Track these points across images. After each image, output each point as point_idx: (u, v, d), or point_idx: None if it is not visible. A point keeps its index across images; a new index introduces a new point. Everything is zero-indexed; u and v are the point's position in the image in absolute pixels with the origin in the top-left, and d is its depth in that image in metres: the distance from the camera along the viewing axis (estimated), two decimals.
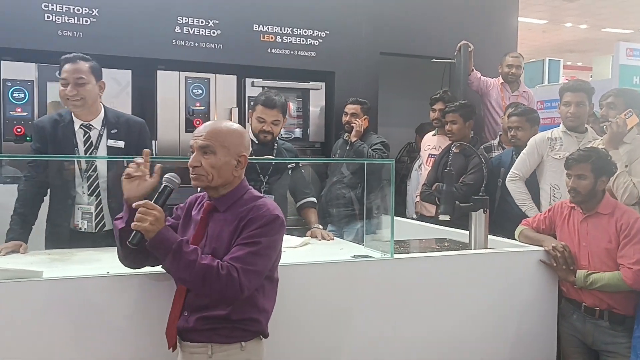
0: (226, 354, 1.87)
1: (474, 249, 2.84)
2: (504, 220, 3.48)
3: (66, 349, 1.98)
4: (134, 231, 1.79)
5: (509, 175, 3.61)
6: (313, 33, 4.78)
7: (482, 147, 4.26)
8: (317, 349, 2.37)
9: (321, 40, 4.81)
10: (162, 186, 1.91)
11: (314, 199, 3.35)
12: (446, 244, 3.11)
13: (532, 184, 3.58)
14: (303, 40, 4.75)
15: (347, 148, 4.29)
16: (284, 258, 2.50)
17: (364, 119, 4.31)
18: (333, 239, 3.12)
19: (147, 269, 2.07)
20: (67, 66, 2.71)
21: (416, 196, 4.40)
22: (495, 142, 4.48)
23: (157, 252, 1.80)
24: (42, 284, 2.00)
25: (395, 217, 2.60)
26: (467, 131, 4.04)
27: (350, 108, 4.36)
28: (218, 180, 1.89)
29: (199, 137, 1.89)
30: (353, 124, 4.26)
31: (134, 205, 1.80)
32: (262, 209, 1.87)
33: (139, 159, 1.95)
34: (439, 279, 2.60)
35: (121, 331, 2.05)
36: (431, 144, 4.46)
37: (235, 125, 1.99)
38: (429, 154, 4.41)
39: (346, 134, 4.36)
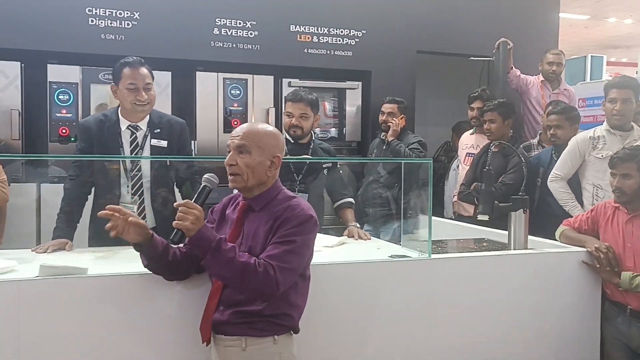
0: (259, 347, 1.91)
1: (514, 249, 2.79)
2: (544, 220, 3.41)
3: (108, 343, 2.04)
4: (176, 230, 1.84)
5: (550, 176, 3.54)
6: (350, 32, 4.78)
7: (521, 146, 4.18)
8: (351, 348, 2.37)
9: (358, 40, 4.81)
10: (202, 186, 1.96)
11: (351, 199, 3.34)
12: (485, 244, 3.07)
13: (574, 183, 3.50)
14: (339, 40, 4.76)
15: (384, 147, 4.27)
16: (321, 257, 2.52)
17: (401, 118, 4.29)
18: (370, 239, 3.11)
19: None
20: (130, 71, 2.76)
21: (454, 196, 4.36)
22: (535, 141, 4.40)
23: (197, 250, 1.85)
24: (86, 281, 2.06)
25: (432, 217, 2.58)
26: (506, 130, 3.98)
27: (387, 107, 4.34)
28: (252, 180, 1.94)
29: (236, 137, 1.96)
30: (390, 123, 4.25)
31: (175, 204, 1.86)
32: (297, 209, 1.92)
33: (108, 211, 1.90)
34: (477, 280, 2.57)
35: (160, 326, 2.09)
36: (469, 143, 4.41)
37: (271, 127, 2.05)
38: (467, 153, 4.36)
39: (383, 134, 4.35)
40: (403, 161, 3.30)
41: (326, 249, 2.77)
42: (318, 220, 1.98)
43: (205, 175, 1.99)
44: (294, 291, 1.95)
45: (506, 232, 2.87)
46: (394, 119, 4.26)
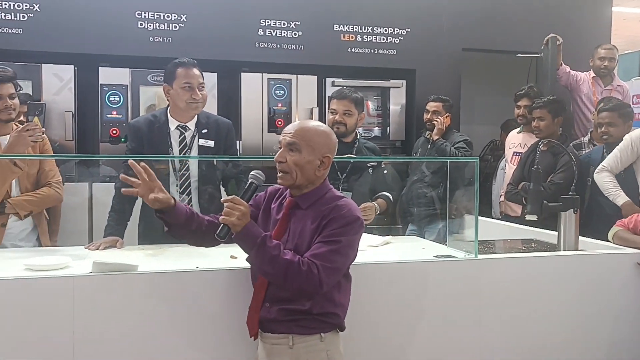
0: (306, 344, 1.91)
1: (564, 250, 2.72)
2: (595, 221, 3.32)
3: (157, 338, 2.09)
4: (222, 225, 1.86)
5: (597, 169, 3.44)
6: (394, 31, 4.76)
7: (571, 144, 4.07)
8: (396, 348, 2.36)
9: (402, 38, 4.77)
10: (248, 182, 1.98)
11: (388, 194, 3.32)
12: (533, 245, 3.00)
13: (631, 182, 3.38)
14: (383, 39, 4.74)
15: (429, 146, 4.23)
16: (365, 257, 2.52)
17: (446, 117, 4.23)
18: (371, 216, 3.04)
19: (233, 265, 2.16)
20: (185, 71, 2.83)
21: (500, 195, 4.27)
22: (586, 139, 4.27)
23: (242, 245, 1.88)
24: (137, 277, 2.12)
25: (479, 217, 2.54)
26: (555, 128, 3.88)
27: (431, 106, 4.29)
28: (301, 178, 1.94)
29: (288, 135, 1.95)
30: (435, 122, 4.20)
31: (222, 200, 1.89)
32: (344, 209, 1.91)
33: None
34: (526, 281, 2.52)
35: (207, 322, 2.14)
36: (516, 141, 4.33)
37: (324, 126, 2.03)
38: (514, 152, 4.28)
39: (427, 132, 4.31)
40: (449, 160, 3.26)
41: (371, 249, 2.76)
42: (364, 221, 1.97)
43: (251, 172, 2.00)
44: (338, 291, 1.95)
45: (555, 233, 2.80)
46: (439, 117, 4.21)
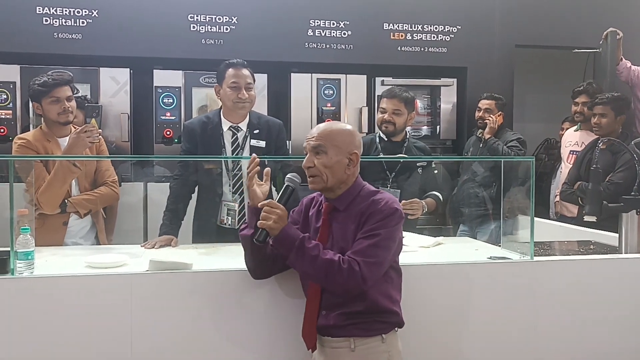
0: (368, 346, 1.91)
1: (625, 253, 2.62)
2: None
3: (210, 335, 2.13)
4: (260, 229, 1.88)
5: None
6: (444, 29, 4.69)
7: (632, 142, 3.91)
8: (447, 351, 2.32)
9: (452, 36, 4.70)
10: (285, 186, 1.99)
11: (437, 193, 3.27)
12: (592, 247, 2.90)
13: None
14: (434, 37, 4.68)
15: (481, 145, 4.15)
16: (417, 257, 2.50)
17: (499, 115, 4.15)
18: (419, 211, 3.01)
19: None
20: (234, 71, 2.88)
21: (556, 195, 4.15)
22: None
23: (281, 249, 1.89)
24: (191, 275, 2.16)
25: (533, 218, 2.48)
26: (616, 126, 3.74)
27: (484, 103, 4.21)
28: (332, 180, 1.93)
29: (311, 139, 1.96)
30: (487, 120, 4.11)
31: (259, 204, 1.90)
32: (381, 203, 1.90)
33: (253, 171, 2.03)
34: (585, 285, 2.44)
35: (260, 321, 2.16)
36: (573, 140, 4.19)
37: (345, 125, 2.04)
38: (570, 151, 4.15)
39: (479, 131, 4.22)
40: (503, 159, 3.18)
41: (422, 249, 2.73)
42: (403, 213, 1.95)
43: (287, 175, 2.01)
44: (392, 285, 1.94)
45: (615, 235, 2.70)
46: (491, 115, 4.13)
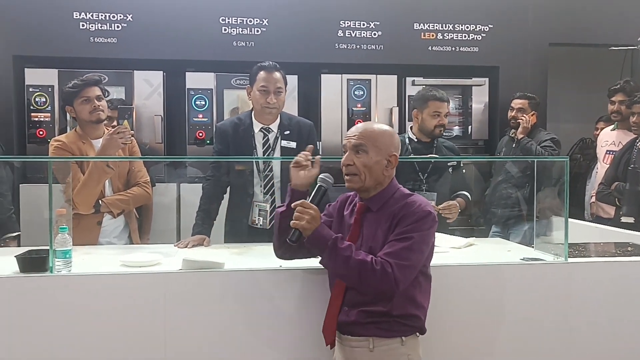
0: (387, 348, 1.90)
1: None
2: None
3: (241, 333, 2.15)
4: (293, 229, 1.89)
5: None
6: (475, 28, 4.64)
7: None
8: (478, 354, 2.30)
9: (484, 35, 4.65)
10: (317, 186, 2.01)
11: (466, 193, 3.24)
12: (629, 248, 2.82)
13: None
14: (465, 36, 4.64)
15: (513, 146, 4.09)
16: (448, 258, 2.48)
17: (532, 115, 4.08)
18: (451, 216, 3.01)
19: (318, 264, 2.18)
20: (265, 74, 2.89)
21: (591, 196, 4.07)
22: None
23: (314, 249, 1.91)
24: (224, 275, 2.19)
25: (568, 218, 2.44)
26: None
27: (517, 103, 4.15)
28: (370, 180, 1.94)
29: (352, 137, 1.96)
30: (520, 120, 4.06)
31: (292, 205, 1.92)
32: (414, 206, 1.90)
33: (306, 153, 2.14)
34: (622, 288, 2.38)
35: (289, 320, 2.18)
36: (609, 139, 4.10)
37: (386, 126, 2.05)
38: (607, 151, 4.05)
39: (512, 131, 4.17)
40: (536, 159, 3.13)
41: (453, 250, 2.71)
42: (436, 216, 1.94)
43: (320, 175, 2.04)
44: (419, 290, 1.93)
45: None
46: (524, 115, 4.07)
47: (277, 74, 2.91)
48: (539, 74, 4.70)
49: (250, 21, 4.42)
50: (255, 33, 4.43)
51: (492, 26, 4.65)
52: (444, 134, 4.41)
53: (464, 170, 3.40)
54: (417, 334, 1.96)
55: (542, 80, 4.71)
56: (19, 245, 3.03)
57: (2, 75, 4.15)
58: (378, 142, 1.94)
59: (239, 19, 4.41)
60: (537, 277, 2.35)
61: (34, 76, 4.18)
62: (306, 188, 2.08)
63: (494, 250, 2.84)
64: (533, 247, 2.70)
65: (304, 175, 2.09)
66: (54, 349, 2.07)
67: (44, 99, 4.16)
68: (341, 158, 1.98)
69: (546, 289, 2.33)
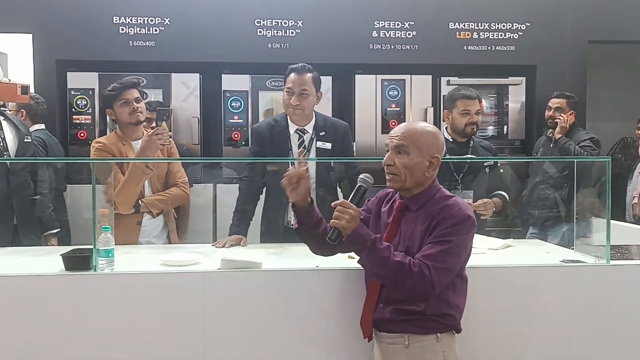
0: (422, 344, 1.90)
1: None
2: None
3: (278, 332, 2.18)
4: (333, 228, 1.90)
5: None
6: (512, 26, 4.58)
7: None
8: (515, 356, 2.27)
9: (521, 33, 4.59)
10: (357, 186, 2.01)
11: (504, 193, 3.19)
12: None
13: None
14: (501, 35, 4.58)
15: (551, 146, 4.02)
16: (485, 260, 2.46)
17: (570, 114, 4.00)
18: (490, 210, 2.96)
19: (352, 265, 2.19)
20: (293, 76, 2.92)
21: (633, 197, 3.97)
22: None
23: (353, 248, 1.92)
24: (261, 274, 2.22)
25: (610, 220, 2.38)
26: None
27: (554, 102, 4.08)
28: (410, 180, 1.93)
29: (395, 137, 1.95)
30: (557, 120, 3.98)
31: (332, 204, 1.92)
32: (454, 209, 1.88)
33: (293, 169, 2.07)
34: None
35: (325, 320, 2.19)
36: None
37: (430, 126, 2.02)
38: None
39: (549, 130, 4.09)
40: (575, 159, 3.07)
41: (491, 252, 2.68)
42: (476, 220, 1.93)
43: (360, 176, 2.03)
44: (453, 292, 1.92)
45: None
46: (562, 114, 3.99)
47: (306, 76, 2.91)
48: (578, 73, 4.61)
49: (285, 23, 4.45)
50: (290, 35, 4.46)
51: (529, 24, 4.58)
52: (479, 133, 4.42)
53: (501, 170, 3.36)
54: (453, 331, 1.95)
55: (581, 78, 4.62)
56: (58, 243, 3.12)
57: (46, 79, 4.28)
58: (420, 143, 1.93)
59: (273, 21, 4.45)
60: (577, 279, 2.31)
61: (76, 79, 4.30)
62: (307, 201, 2.04)
63: (533, 252, 2.79)
64: (573, 248, 2.65)
65: (298, 190, 2.01)
66: (97, 345, 2.13)
67: (85, 102, 4.28)
68: (376, 159, 1.98)
69: (587, 292, 2.29)
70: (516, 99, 4.64)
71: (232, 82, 4.37)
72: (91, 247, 2.18)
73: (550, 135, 4.07)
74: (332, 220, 1.89)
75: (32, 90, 3.85)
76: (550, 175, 3.96)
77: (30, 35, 4.30)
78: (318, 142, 2.96)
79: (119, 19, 4.36)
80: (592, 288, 2.30)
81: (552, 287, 2.29)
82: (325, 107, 4.24)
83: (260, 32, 4.45)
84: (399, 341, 1.92)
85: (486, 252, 2.65)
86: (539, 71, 4.59)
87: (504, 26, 4.58)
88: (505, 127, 4.67)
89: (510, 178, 3.89)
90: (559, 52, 4.59)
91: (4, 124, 2.87)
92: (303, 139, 2.98)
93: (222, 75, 4.38)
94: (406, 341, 1.91)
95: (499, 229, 3.25)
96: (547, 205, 3.89)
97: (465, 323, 1.97)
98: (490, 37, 4.58)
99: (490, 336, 2.22)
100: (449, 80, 4.50)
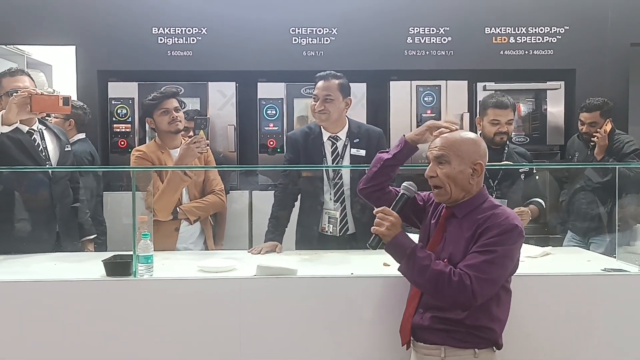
0: (458, 358, 1.88)
1: None
2: None
3: (313, 339, 2.19)
4: (373, 235, 1.91)
5: None
6: (550, 30, 4.50)
7: None
8: None
9: (559, 37, 4.50)
10: (400, 194, 2.02)
11: (540, 200, 3.13)
12: None
13: None
14: (539, 39, 4.50)
15: (588, 152, 3.91)
16: (523, 268, 2.40)
17: (607, 124, 3.83)
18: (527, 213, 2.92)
19: (387, 272, 2.19)
20: (319, 83, 2.98)
21: None
22: None
23: (393, 256, 1.91)
24: (297, 281, 2.24)
25: None
26: None
27: (586, 117, 3.88)
28: (456, 190, 1.92)
29: (434, 148, 1.95)
30: (594, 138, 3.80)
31: (374, 211, 1.93)
32: (501, 217, 1.85)
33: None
34: None
35: (360, 327, 2.19)
36: None
37: (470, 134, 2.01)
38: None
39: (584, 135, 3.97)
40: (617, 166, 2.99)
41: (529, 260, 2.63)
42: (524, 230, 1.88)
43: (404, 184, 2.03)
44: (496, 304, 1.88)
45: None
46: (598, 130, 3.79)
47: (332, 82, 2.94)
48: (620, 76, 4.49)
49: (320, 31, 4.48)
50: (325, 42, 4.48)
51: (567, 27, 4.49)
52: (517, 139, 4.34)
53: (537, 177, 3.30)
54: (494, 348, 1.91)
55: (623, 82, 4.49)
56: (95, 249, 3.21)
57: (88, 89, 4.40)
58: (460, 151, 1.91)
59: (308, 29, 4.48)
60: (620, 288, 2.26)
61: (116, 89, 4.41)
62: (416, 148, 2.17)
63: (573, 260, 2.74)
64: (615, 257, 2.59)
65: (431, 138, 2.07)
66: (136, 349, 2.18)
67: (125, 111, 4.38)
68: (411, 166, 1.98)
69: (630, 302, 2.24)
70: (555, 103, 4.55)
71: (268, 90, 4.41)
72: (131, 253, 2.23)
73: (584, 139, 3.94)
74: (373, 227, 1.90)
75: (74, 99, 3.98)
76: (593, 181, 3.84)
77: (74, 47, 4.43)
78: (352, 149, 2.97)
79: (158, 30, 4.46)
80: (636, 298, 2.24)
81: (595, 296, 2.24)
82: (359, 114, 4.24)
83: (295, 40, 4.48)
84: (435, 353, 1.90)
85: (524, 260, 2.59)
86: (579, 75, 4.48)
87: (541, 30, 4.51)
88: (544, 132, 4.59)
89: (548, 184, 3.81)
90: (599, 56, 4.48)
91: (46, 133, 2.96)
92: (336, 146, 2.99)
93: (258, 83, 4.42)
94: (442, 353, 1.89)
95: (537, 236, 3.18)
96: (587, 212, 3.79)
97: (504, 336, 1.93)
98: (528, 41, 4.51)
99: (530, 349, 2.18)
100: (485, 85, 4.43)
